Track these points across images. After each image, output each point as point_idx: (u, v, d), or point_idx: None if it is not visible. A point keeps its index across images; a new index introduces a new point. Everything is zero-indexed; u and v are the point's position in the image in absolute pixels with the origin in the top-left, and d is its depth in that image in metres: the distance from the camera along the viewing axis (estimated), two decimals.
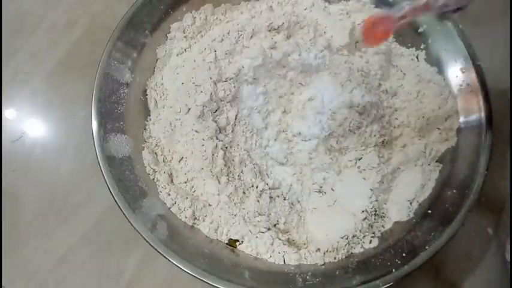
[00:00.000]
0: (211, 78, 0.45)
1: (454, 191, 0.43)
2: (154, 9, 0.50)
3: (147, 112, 0.49)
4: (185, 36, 0.52)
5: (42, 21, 0.57)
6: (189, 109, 0.46)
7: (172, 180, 0.46)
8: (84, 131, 0.47)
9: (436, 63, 0.49)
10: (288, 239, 0.44)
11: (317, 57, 0.47)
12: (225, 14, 0.53)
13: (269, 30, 0.48)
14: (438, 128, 0.47)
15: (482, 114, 0.45)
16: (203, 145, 0.45)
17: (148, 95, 0.49)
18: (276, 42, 0.47)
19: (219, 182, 0.44)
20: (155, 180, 0.45)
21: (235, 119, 0.46)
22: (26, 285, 0.45)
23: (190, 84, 0.46)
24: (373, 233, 0.44)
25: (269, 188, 0.45)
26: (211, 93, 0.45)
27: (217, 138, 0.45)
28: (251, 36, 0.47)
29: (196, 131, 0.45)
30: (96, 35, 0.55)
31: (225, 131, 0.46)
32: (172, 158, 0.47)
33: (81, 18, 0.57)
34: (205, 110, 0.45)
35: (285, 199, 0.45)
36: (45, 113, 0.53)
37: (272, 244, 0.42)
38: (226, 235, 0.43)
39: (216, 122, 0.46)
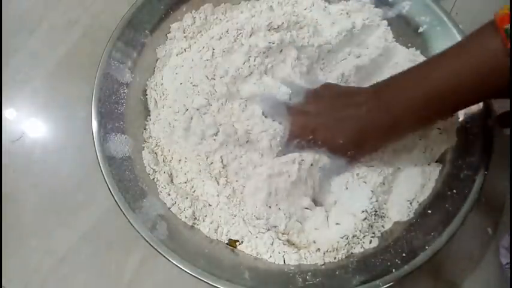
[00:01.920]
0: (207, 77, 0.45)
1: (454, 191, 0.43)
2: (154, 9, 0.50)
3: (147, 112, 0.49)
4: (185, 36, 0.51)
5: (42, 21, 0.57)
6: (187, 109, 0.46)
7: (172, 180, 0.46)
8: (84, 131, 0.47)
9: None
10: (288, 239, 0.44)
11: None
12: (225, 14, 0.53)
13: (269, 30, 0.48)
14: (438, 128, 0.47)
15: (482, 114, 0.45)
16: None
17: (148, 95, 0.49)
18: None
19: (217, 183, 0.44)
20: (155, 180, 0.45)
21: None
22: (26, 285, 0.45)
23: (188, 84, 0.46)
24: (373, 233, 0.43)
25: None
26: (207, 93, 0.44)
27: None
28: (250, 35, 0.47)
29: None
30: (96, 35, 0.55)
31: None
32: (172, 158, 0.47)
33: (81, 18, 0.58)
34: (203, 109, 0.45)
35: None
36: (45, 113, 0.53)
37: (272, 244, 0.42)
38: (226, 235, 0.43)
39: (213, 122, 0.45)
